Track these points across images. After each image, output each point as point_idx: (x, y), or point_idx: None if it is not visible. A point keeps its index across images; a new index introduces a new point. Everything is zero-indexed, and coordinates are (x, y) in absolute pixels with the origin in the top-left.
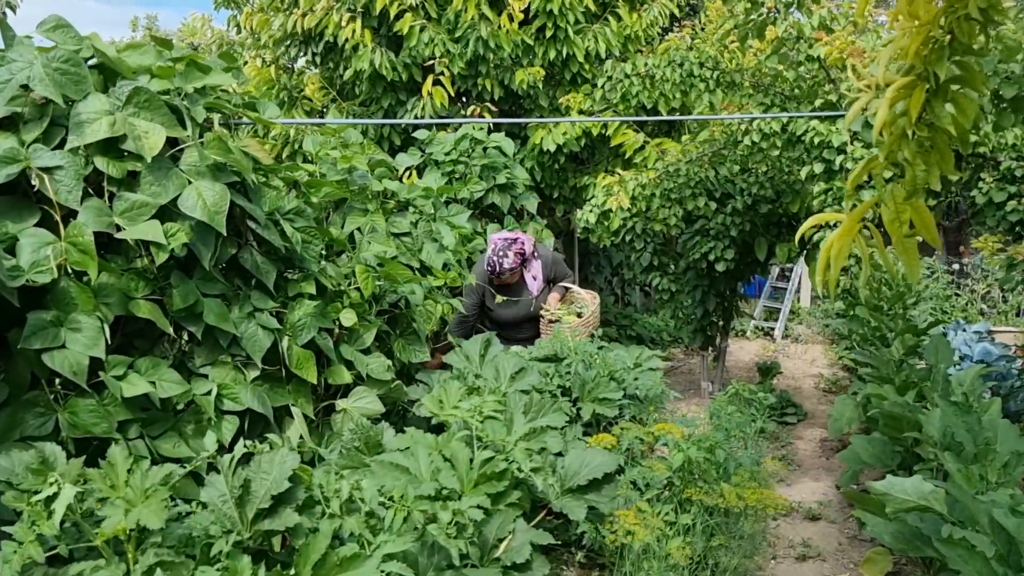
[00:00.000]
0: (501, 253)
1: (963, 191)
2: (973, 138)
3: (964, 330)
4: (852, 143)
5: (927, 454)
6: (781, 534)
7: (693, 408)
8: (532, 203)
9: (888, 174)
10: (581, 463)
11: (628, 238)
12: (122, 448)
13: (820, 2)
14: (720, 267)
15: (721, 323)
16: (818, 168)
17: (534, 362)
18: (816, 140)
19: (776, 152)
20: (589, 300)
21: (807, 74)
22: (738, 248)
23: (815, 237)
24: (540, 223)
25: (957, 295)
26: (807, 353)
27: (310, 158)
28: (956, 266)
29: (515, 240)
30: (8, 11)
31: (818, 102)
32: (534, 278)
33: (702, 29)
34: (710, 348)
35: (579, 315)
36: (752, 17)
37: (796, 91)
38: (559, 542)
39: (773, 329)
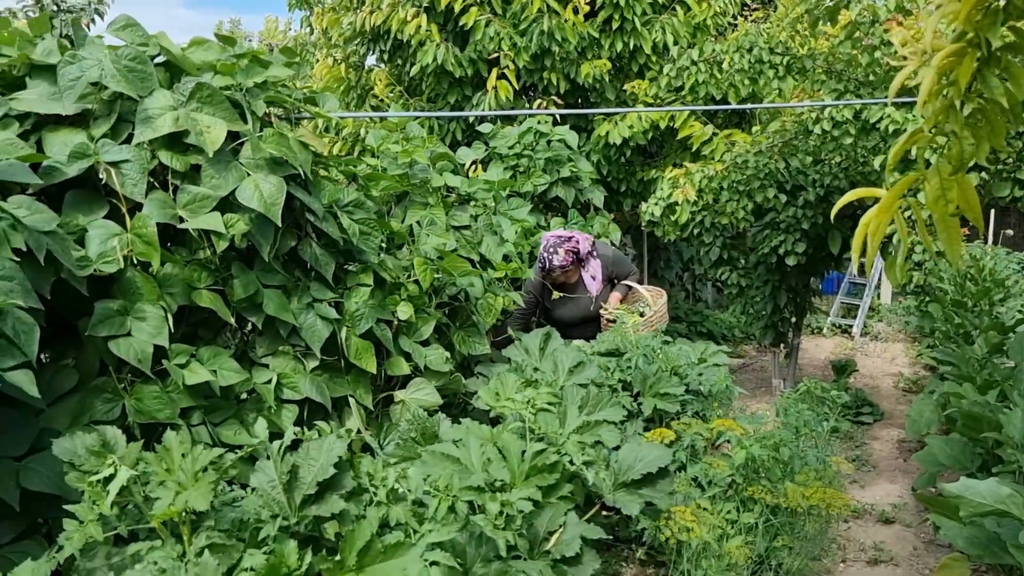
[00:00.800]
0: (552, 250)
1: None
2: None
3: None
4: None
5: (1008, 456)
6: (852, 537)
7: (763, 405)
8: (598, 197)
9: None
10: (635, 457)
11: (696, 232)
12: (183, 435)
13: None
14: (791, 261)
15: (793, 319)
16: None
17: (595, 356)
18: (892, 128)
19: (850, 140)
20: (653, 299)
21: (882, 59)
22: (810, 241)
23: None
24: (606, 217)
25: None
26: (887, 351)
27: (373, 152)
28: None
29: (568, 238)
30: (96, 17)
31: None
32: (593, 278)
33: (774, 11)
34: (782, 345)
35: (641, 315)
36: (824, 1)
37: (871, 77)
38: (616, 537)
39: (851, 326)
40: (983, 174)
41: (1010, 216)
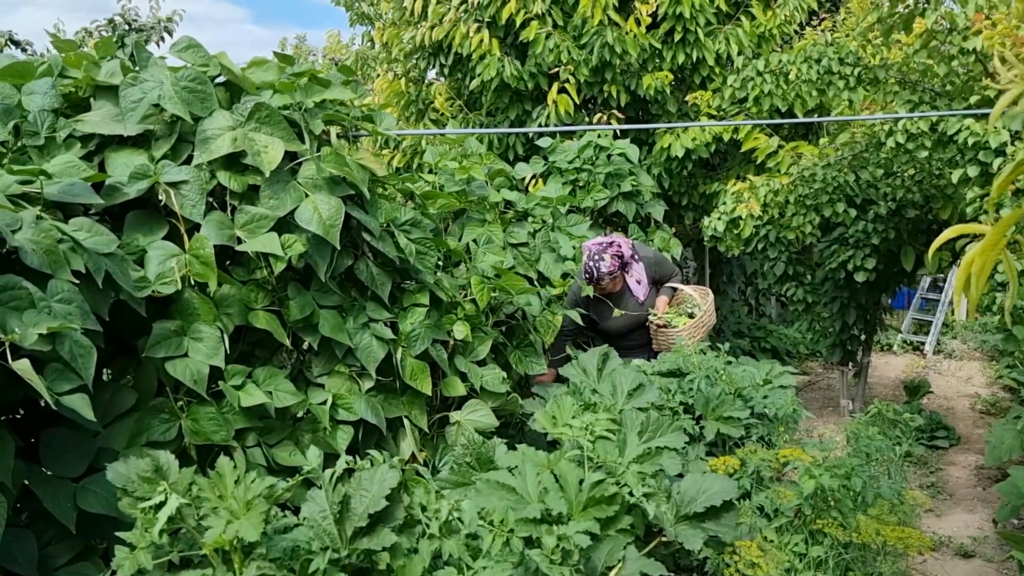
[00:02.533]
0: (597, 257)
1: None
2: None
3: None
4: (1013, 143)
5: None
6: (929, 571)
7: (830, 428)
8: (659, 211)
9: None
10: (699, 489)
11: (760, 246)
12: (238, 457)
13: None
14: (860, 277)
15: (863, 337)
16: (972, 171)
17: (655, 377)
18: (970, 141)
19: (924, 154)
20: (700, 298)
21: (961, 68)
22: (881, 257)
23: (967, 246)
24: (667, 232)
25: None
26: (962, 370)
27: (431, 168)
28: None
29: (610, 243)
30: (165, 35)
31: (973, 98)
32: (638, 282)
33: (843, 22)
34: (850, 363)
35: (691, 316)
36: (898, 9)
37: (948, 87)
38: (678, 566)
39: (923, 344)
40: None
41: None
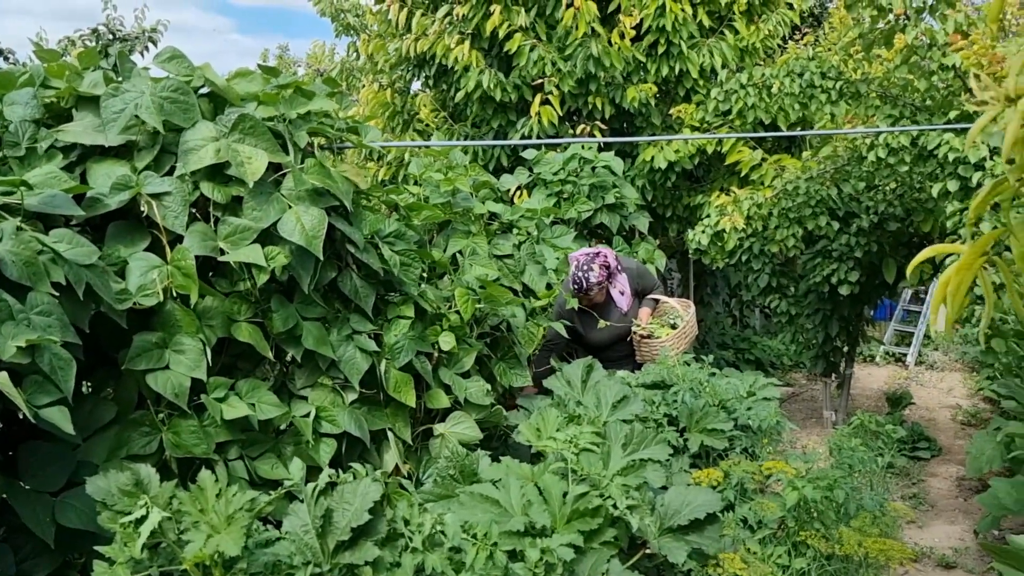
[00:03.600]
0: (586, 268)
1: None
2: None
3: None
4: (992, 159)
5: None
6: None
7: (814, 439)
8: (643, 223)
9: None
10: (683, 501)
11: (744, 258)
12: (219, 470)
13: (956, 6)
14: (843, 290)
15: (845, 348)
16: (952, 186)
17: (639, 389)
18: (950, 156)
19: (905, 168)
20: (682, 310)
21: (940, 84)
22: (863, 270)
23: (948, 259)
24: (652, 244)
25: None
26: (943, 381)
27: (416, 180)
28: None
29: (597, 253)
30: (150, 45)
31: (953, 114)
32: (621, 293)
33: (825, 37)
34: (833, 375)
35: (673, 327)
36: (879, 25)
37: (928, 102)
38: None
39: (905, 355)
40: None
41: None
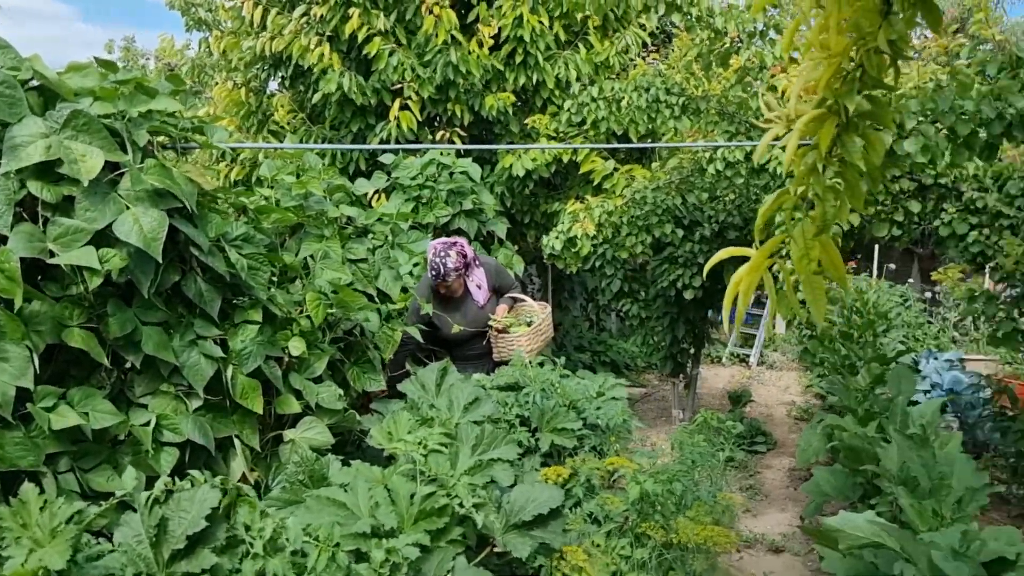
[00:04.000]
0: (443, 253)
1: (928, 221)
2: (935, 170)
3: (936, 359)
4: None
5: (885, 488)
6: (744, 567)
7: (663, 437)
8: (501, 228)
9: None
10: (527, 498)
11: (598, 264)
12: (46, 483)
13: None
14: (688, 295)
15: (692, 350)
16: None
17: (493, 391)
18: (779, 170)
19: (741, 180)
20: (539, 310)
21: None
22: (706, 276)
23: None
24: (510, 249)
25: (930, 323)
26: (781, 380)
27: (267, 183)
28: (929, 294)
29: (454, 243)
30: None
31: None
32: (478, 287)
33: (671, 55)
34: (681, 375)
35: (529, 324)
36: (715, 46)
37: (760, 120)
38: None
39: (748, 356)
40: (867, 212)
41: (894, 251)
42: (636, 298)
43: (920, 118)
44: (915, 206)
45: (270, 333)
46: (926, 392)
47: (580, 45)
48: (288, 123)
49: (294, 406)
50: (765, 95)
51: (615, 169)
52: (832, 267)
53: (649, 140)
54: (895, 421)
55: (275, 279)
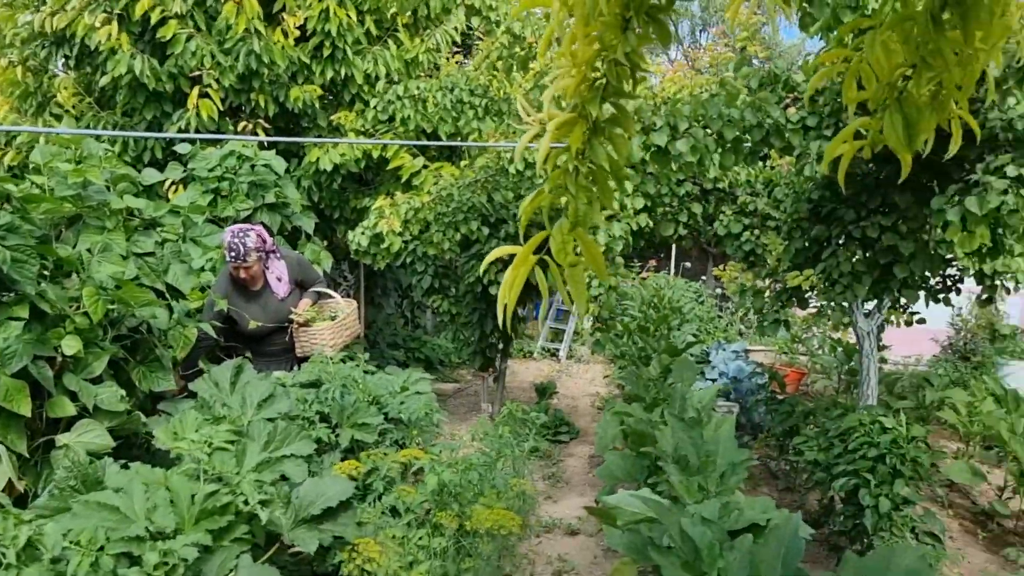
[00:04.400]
0: (241, 234)
1: (709, 222)
2: (713, 174)
3: (724, 349)
4: None
5: (664, 467)
6: (542, 551)
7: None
8: (308, 224)
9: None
10: (317, 492)
11: (409, 260)
12: None
13: None
14: (495, 291)
15: (500, 345)
16: None
17: (293, 388)
18: None
19: (540, 180)
20: (344, 305)
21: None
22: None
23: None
24: (318, 245)
25: (720, 317)
26: (588, 373)
27: (39, 170)
28: (719, 290)
29: (252, 227)
30: None
31: None
32: (279, 279)
33: (476, 56)
34: (490, 370)
35: (333, 318)
36: (515, 50)
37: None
38: (315, 573)
39: (558, 350)
40: (655, 213)
41: (692, 250)
42: (447, 294)
43: (694, 122)
44: (697, 208)
45: (40, 331)
46: (714, 380)
47: (390, 41)
48: (73, 107)
49: (68, 409)
50: (521, 99)
51: (424, 166)
52: (592, 260)
53: (459, 139)
54: (674, 406)
55: (46, 273)
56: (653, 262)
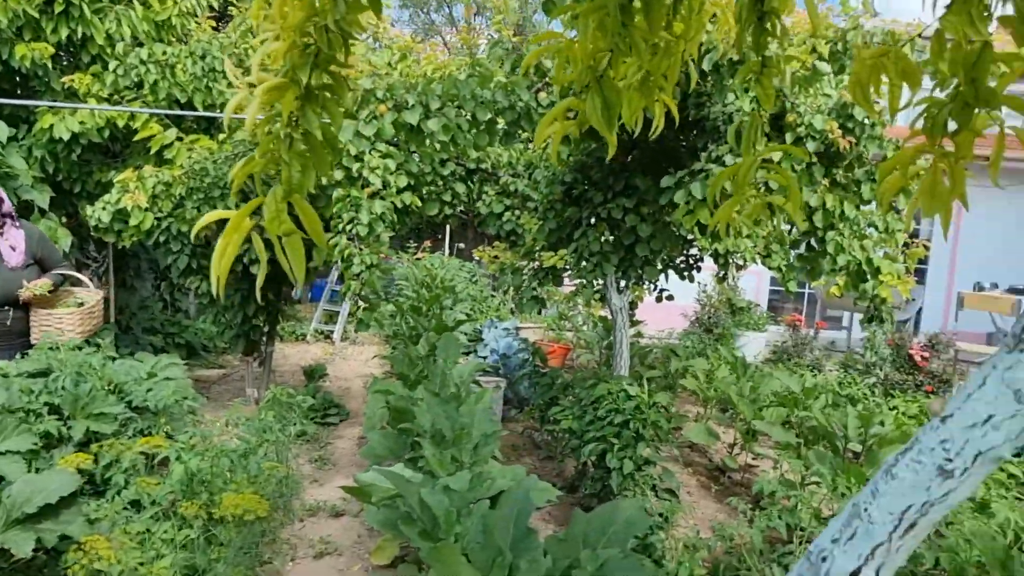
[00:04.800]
0: None
1: (473, 202)
2: (476, 154)
3: (496, 327)
4: (370, 152)
5: (421, 443)
6: (305, 535)
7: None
8: (42, 198)
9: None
10: (33, 489)
11: (163, 239)
12: None
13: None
14: (254, 270)
15: (266, 328)
16: (339, 175)
17: (17, 378)
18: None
19: None
20: (89, 295)
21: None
22: (276, 251)
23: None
24: (55, 221)
25: (493, 296)
26: (363, 354)
27: None
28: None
29: None
30: None
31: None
32: (13, 248)
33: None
34: (256, 354)
35: (80, 306)
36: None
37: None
38: None
39: (332, 332)
40: (420, 192)
41: (468, 231)
42: (206, 275)
43: (447, 102)
44: (461, 187)
45: None
46: (485, 357)
47: (135, 1)
48: None
49: None
50: (228, 62)
51: (179, 138)
52: (312, 229)
53: (215, 111)
54: (435, 383)
55: None
56: (428, 243)
